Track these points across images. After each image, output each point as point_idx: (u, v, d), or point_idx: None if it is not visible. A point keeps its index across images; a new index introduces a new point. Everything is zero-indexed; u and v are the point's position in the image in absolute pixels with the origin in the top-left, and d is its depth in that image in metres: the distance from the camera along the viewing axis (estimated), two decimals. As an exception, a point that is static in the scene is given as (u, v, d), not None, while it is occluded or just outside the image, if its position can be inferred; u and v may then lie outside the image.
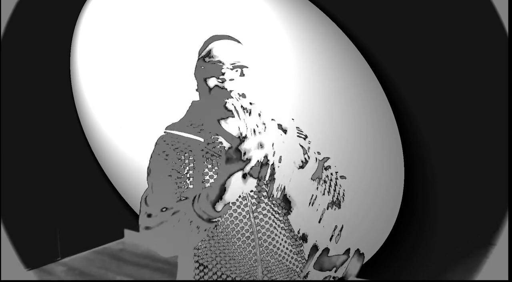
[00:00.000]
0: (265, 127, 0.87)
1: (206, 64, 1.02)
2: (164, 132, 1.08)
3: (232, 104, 0.91)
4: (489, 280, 2.11)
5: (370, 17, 2.31)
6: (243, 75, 1.01)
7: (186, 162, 1.01)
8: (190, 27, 2.83)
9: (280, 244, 1.04)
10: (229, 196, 0.85)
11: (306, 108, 2.52)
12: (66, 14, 3.27)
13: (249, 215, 1.01)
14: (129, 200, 3.61)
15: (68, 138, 3.35)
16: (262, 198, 1.02)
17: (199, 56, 1.08)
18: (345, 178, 1.04)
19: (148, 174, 1.03)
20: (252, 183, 0.84)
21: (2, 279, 2.48)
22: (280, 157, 0.86)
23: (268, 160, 0.84)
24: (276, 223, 1.04)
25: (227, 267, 0.99)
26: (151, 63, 3.08)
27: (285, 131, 0.89)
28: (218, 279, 1.02)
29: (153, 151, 1.05)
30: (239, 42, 1.10)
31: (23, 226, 2.96)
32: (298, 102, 2.52)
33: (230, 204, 0.96)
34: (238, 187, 0.84)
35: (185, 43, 2.86)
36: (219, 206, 0.86)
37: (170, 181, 0.99)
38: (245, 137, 0.84)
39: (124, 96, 3.29)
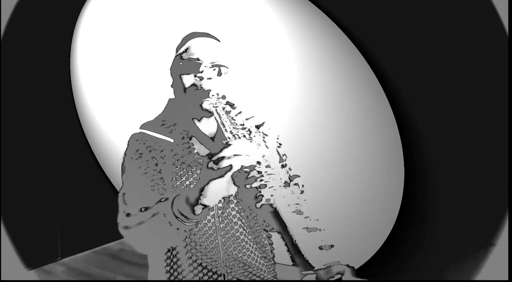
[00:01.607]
0: (250, 132, 0.86)
1: (184, 61, 1.00)
2: (139, 130, 1.06)
3: (211, 105, 0.90)
4: (489, 280, 2.11)
5: (370, 17, 2.31)
6: (221, 74, 0.99)
7: (158, 161, 1.00)
8: (190, 27, 2.83)
9: (244, 248, 1.01)
10: (209, 200, 0.84)
11: (305, 108, 2.53)
12: (66, 14, 3.27)
13: (215, 219, 0.99)
14: (129, 200, 3.61)
15: (68, 138, 3.35)
16: (229, 203, 1.01)
17: (176, 52, 1.06)
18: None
19: (123, 172, 1.01)
20: (233, 189, 0.83)
21: (2, 279, 2.48)
22: (268, 165, 0.85)
23: (253, 167, 0.82)
24: (242, 228, 1.02)
25: (197, 250, 0.99)
26: (151, 63, 3.08)
27: (263, 137, 0.87)
28: (218, 279, 1.01)
29: (126, 149, 1.03)
30: (217, 40, 1.06)
31: (23, 226, 2.96)
32: (298, 102, 2.52)
33: (210, 208, 0.94)
34: (219, 191, 0.82)
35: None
36: (198, 209, 0.85)
37: (145, 180, 0.97)
38: (227, 143, 0.82)
39: (124, 96, 3.29)
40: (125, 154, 1.02)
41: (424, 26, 2.18)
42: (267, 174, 0.84)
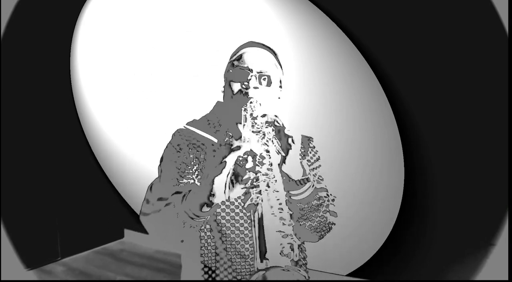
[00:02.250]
0: (264, 136, 0.89)
1: (235, 68, 1.03)
2: (184, 127, 1.09)
3: (245, 110, 0.92)
4: (489, 280, 2.11)
5: (370, 17, 2.31)
6: (270, 84, 1.02)
7: (196, 158, 1.02)
8: (189, 27, 2.83)
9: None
10: (218, 199, 0.86)
11: (306, 108, 2.53)
12: (66, 14, 3.27)
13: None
14: (129, 200, 3.61)
15: (68, 138, 3.35)
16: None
17: (230, 59, 1.09)
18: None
19: (160, 162, 1.05)
20: (240, 190, 0.86)
21: (2, 279, 2.48)
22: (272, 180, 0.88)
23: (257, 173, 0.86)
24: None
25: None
26: (151, 63, 3.08)
27: (288, 148, 0.91)
28: (223, 279, 1.01)
29: (169, 141, 1.07)
30: (273, 51, 1.10)
31: (23, 226, 2.96)
32: (298, 102, 2.52)
33: (220, 203, 0.97)
34: (222, 189, 0.85)
35: (185, 43, 2.87)
36: (206, 207, 0.88)
37: (176, 173, 1.01)
38: (238, 146, 0.86)
39: (124, 97, 3.29)
40: (166, 146, 1.07)
41: (424, 26, 2.18)
42: (264, 176, 0.87)
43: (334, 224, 1.05)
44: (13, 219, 2.86)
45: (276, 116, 1.01)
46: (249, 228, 0.99)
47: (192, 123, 1.09)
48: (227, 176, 0.85)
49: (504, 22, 1.93)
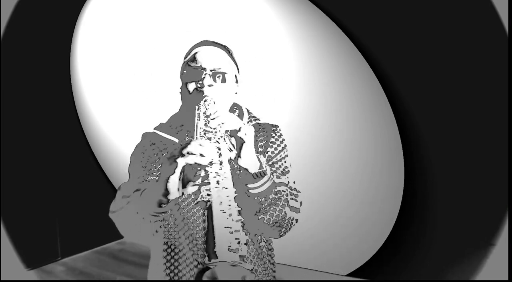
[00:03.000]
0: (216, 135, 0.91)
1: (189, 68, 1.05)
2: (152, 131, 1.13)
3: (199, 109, 0.94)
4: (489, 280, 2.11)
5: (370, 17, 2.31)
6: (225, 81, 1.04)
7: (159, 158, 1.06)
8: (189, 27, 2.83)
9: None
10: (173, 196, 0.88)
11: (306, 108, 2.53)
12: (66, 14, 3.27)
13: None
14: (129, 200, 3.61)
15: (68, 138, 3.35)
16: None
17: (184, 60, 1.11)
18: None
19: (129, 165, 1.11)
20: (192, 189, 0.89)
21: (2, 279, 2.48)
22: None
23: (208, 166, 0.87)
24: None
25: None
26: (151, 63, 3.08)
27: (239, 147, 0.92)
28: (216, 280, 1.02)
29: (137, 144, 1.12)
30: (226, 48, 1.11)
31: (23, 226, 2.96)
32: (298, 102, 2.52)
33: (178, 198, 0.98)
34: (175, 187, 0.87)
35: (185, 43, 2.86)
36: (163, 205, 0.90)
37: (142, 173, 1.06)
38: (188, 141, 0.87)
39: (124, 96, 3.29)
40: (135, 147, 1.12)
41: (424, 26, 2.18)
42: (213, 173, 0.89)
43: (296, 220, 1.04)
44: (13, 219, 2.86)
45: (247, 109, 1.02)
46: (202, 224, 1.01)
47: (159, 127, 1.14)
48: (180, 175, 0.87)
49: (504, 22, 1.93)
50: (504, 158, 2.08)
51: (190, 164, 0.85)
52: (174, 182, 0.86)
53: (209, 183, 0.90)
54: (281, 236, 1.04)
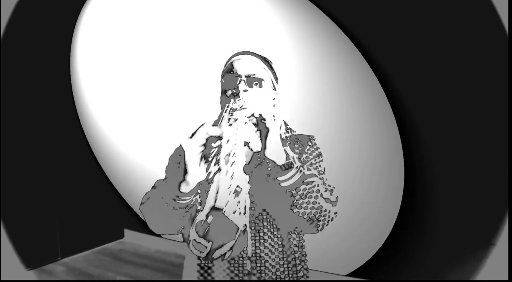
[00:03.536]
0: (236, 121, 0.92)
1: (226, 76, 1.09)
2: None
3: (228, 107, 0.95)
4: (489, 280, 2.11)
5: (370, 17, 2.31)
6: (261, 87, 1.08)
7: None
8: (189, 27, 2.83)
9: None
10: (191, 178, 0.90)
11: (306, 108, 2.53)
12: (66, 14, 3.27)
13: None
14: (129, 200, 3.61)
15: (68, 138, 3.35)
16: None
17: (222, 71, 1.15)
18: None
19: (167, 164, 1.13)
20: (214, 168, 0.90)
21: (2, 279, 2.48)
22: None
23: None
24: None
25: None
26: (151, 63, 3.08)
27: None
28: (221, 280, 1.03)
29: (176, 148, 1.15)
30: (264, 58, 1.15)
31: (23, 226, 2.96)
32: (298, 102, 2.52)
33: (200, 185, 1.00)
34: (200, 172, 0.90)
35: (185, 43, 2.87)
36: (183, 187, 0.92)
37: (176, 171, 1.06)
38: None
39: (124, 96, 3.29)
40: (173, 152, 1.14)
41: (424, 26, 2.18)
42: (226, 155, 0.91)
43: (335, 213, 1.02)
44: (13, 219, 2.86)
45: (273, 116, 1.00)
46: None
47: None
48: (200, 154, 0.89)
49: (504, 22, 1.93)
50: (504, 158, 2.08)
51: (210, 137, 0.87)
52: (194, 158, 0.88)
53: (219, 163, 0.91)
54: (319, 230, 1.01)
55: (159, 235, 3.35)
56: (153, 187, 1.05)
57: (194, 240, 0.90)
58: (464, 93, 2.16)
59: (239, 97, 1.00)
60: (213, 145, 0.90)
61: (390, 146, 2.38)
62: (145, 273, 3.08)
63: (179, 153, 1.10)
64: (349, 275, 2.66)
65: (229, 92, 1.05)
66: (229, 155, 0.91)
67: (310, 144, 1.16)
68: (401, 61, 2.28)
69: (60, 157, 3.24)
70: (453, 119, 2.21)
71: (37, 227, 3.09)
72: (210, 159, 0.90)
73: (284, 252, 1.06)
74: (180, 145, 1.10)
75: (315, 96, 2.50)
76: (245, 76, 1.06)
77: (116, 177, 3.60)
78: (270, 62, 1.16)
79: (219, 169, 0.91)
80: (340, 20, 2.37)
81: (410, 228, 2.43)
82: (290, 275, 1.07)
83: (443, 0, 2.12)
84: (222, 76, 1.12)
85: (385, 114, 2.36)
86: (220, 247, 0.90)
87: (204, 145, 0.89)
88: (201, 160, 0.90)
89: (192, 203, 0.97)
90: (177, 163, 1.09)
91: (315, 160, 1.12)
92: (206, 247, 0.90)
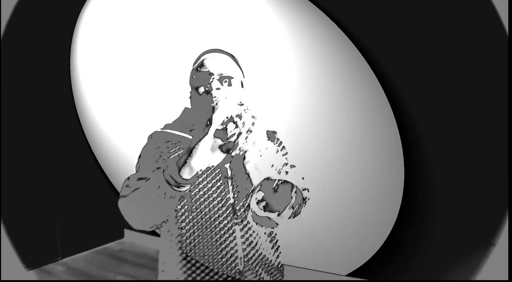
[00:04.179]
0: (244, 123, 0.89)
1: (198, 73, 1.12)
2: (163, 130, 1.18)
3: (217, 104, 0.92)
4: (489, 280, 2.11)
5: (370, 17, 2.31)
6: (231, 85, 1.11)
7: (173, 152, 1.10)
8: (189, 27, 2.83)
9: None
10: (196, 163, 0.87)
11: (306, 108, 2.53)
12: (66, 14, 3.27)
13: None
14: (129, 200, 3.61)
15: (68, 138, 3.35)
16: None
17: (193, 66, 1.18)
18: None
19: (137, 162, 1.10)
20: (220, 156, 0.87)
21: (2, 279, 2.48)
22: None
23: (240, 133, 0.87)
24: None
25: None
26: (151, 63, 3.08)
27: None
28: (219, 279, 1.03)
29: (146, 143, 1.15)
30: (231, 55, 1.18)
31: (23, 226, 2.96)
32: (298, 102, 2.52)
33: (200, 173, 0.99)
34: (205, 151, 0.86)
35: (185, 43, 2.87)
36: (185, 172, 0.88)
37: (154, 166, 1.05)
38: (214, 108, 0.87)
39: (124, 96, 3.29)
40: (144, 146, 1.14)
41: (424, 26, 2.18)
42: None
43: (308, 198, 1.08)
44: (13, 219, 2.87)
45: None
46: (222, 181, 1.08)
47: (167, 126, 1.20)
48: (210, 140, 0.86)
49: (504, 22, 1.93)
50: (504, 158, 2.08)
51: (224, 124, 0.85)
52: (204, 145, 0.85)
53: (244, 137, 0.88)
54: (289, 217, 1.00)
55: (159, 235, 3.35)
56: (128, 185, 0.99)
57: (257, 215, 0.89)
58: (464, 93, 2.16)
59: (212, 95, 1.06)
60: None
61: (390, 146, 2.38)
62: (145, 273, 3.08)
63: (155, 147, 1.11)
64: (349, 275, 2.66)
65: (202, 89, 1.09)
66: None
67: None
68: (401, 61, 2.28)
69: (60, 157, 3.24)
70: (453, 119, 2.21)
71: (37, 227, 3.09)
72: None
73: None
74: (154, 140, 1.13)
75: (315, 96, 2.50)
76: (218, 74, 1.10)
77: (116, 177, 3.60)
78: (237, 60, 1.19)
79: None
80: (340, 20, 2.37)
81: (410, 228, 2.43)
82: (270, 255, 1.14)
83: (443, 0, 2.12)
84: (193, 73, 1.15)
85: (385, 114, 2.36)
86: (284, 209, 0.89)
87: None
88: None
89: (185, 196, 0.97)
90: (153, 156, 1.08)
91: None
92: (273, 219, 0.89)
